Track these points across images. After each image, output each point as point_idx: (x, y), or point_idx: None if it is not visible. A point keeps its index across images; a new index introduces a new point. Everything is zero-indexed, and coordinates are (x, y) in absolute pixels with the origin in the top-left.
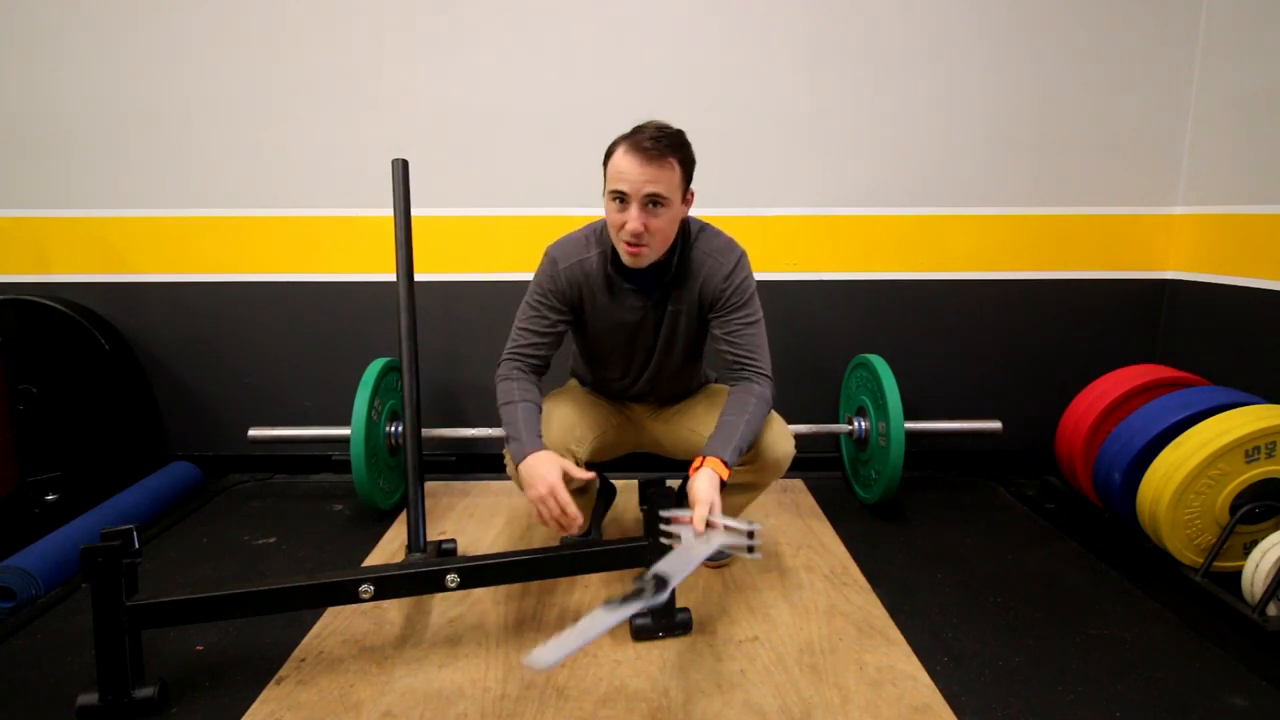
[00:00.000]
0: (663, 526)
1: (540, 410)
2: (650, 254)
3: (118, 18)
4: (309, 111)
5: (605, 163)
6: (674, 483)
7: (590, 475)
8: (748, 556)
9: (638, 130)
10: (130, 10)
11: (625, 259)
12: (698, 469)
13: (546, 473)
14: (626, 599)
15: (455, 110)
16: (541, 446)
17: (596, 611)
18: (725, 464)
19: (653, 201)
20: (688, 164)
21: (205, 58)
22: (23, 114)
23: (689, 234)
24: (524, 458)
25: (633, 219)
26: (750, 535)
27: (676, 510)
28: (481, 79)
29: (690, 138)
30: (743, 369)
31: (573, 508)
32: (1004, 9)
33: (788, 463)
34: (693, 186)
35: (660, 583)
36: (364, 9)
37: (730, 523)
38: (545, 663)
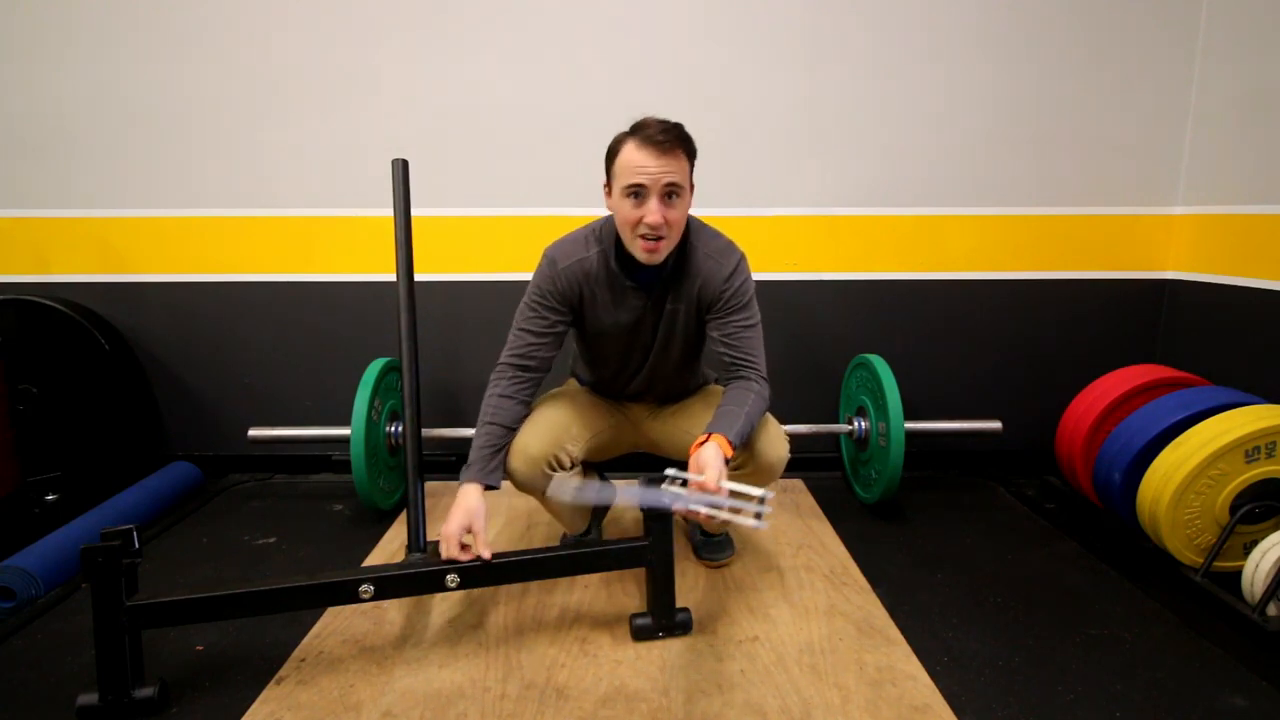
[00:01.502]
0: (667, 486)
1: (513, 424)
2: (667, 246)
3: (118, 18)
4: (309, 111)
5: (610, 161)
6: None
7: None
8: (752, 524)
9: (642, 125)
10: (130, 10)
11: (642, 256)
12: (702, 443)
13: (453, 515)
14: (651, 481)
15: (455, 110)
16: (473, 479)
17: (629, 486)
18: (730, 443)
19: (671, 192)
20: (693, 156)
21: (205, 58)
22: (23, 114)
23: (688, 232)
24: (461, 484)
25: (653, 211)
26: (760, 501)
27: (684, 473)
28: (482, 79)
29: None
30: (740, 371)
31: (455, 551)
32: (1004, 9)
33: (782, 467)
34: (694, 185)
35: (680, 495)
36: (364, 9)
37: (737, 488)
38: (554, 490)
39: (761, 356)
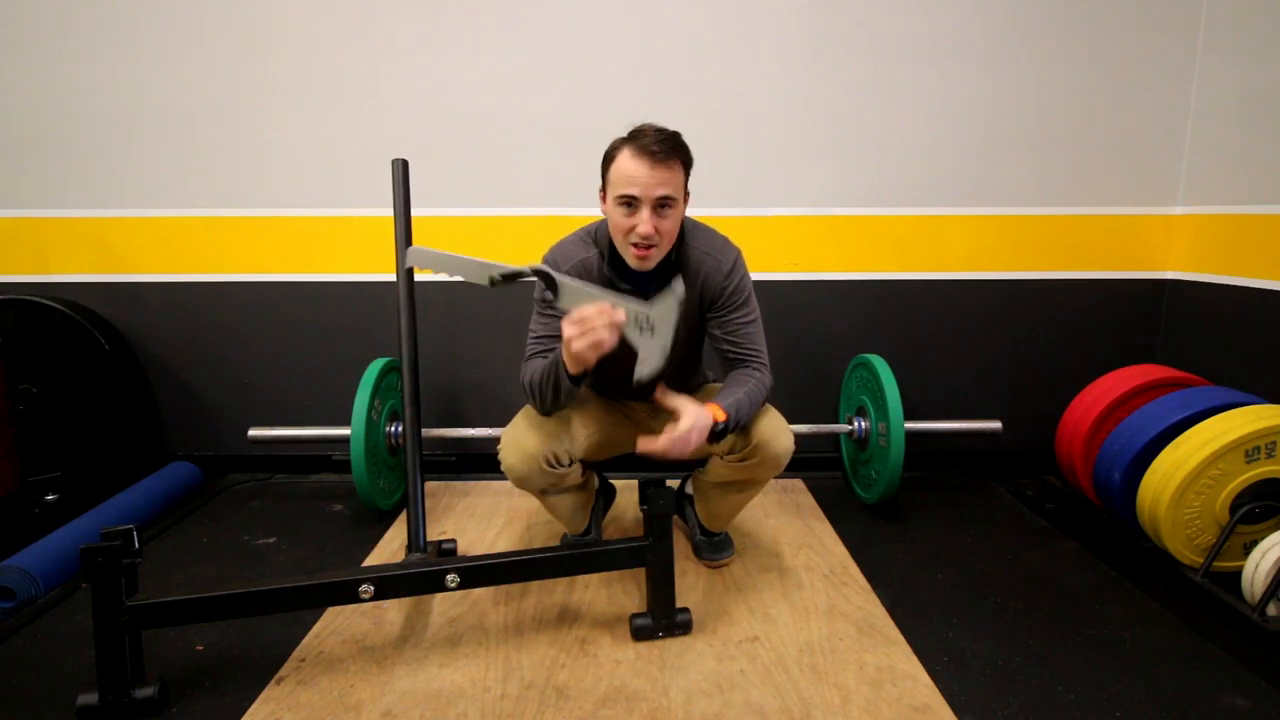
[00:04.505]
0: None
1: None
2: (658, 255)
3: (118, 18)
4: (309, 111)
5: (605, 167)
6: (673, 483)
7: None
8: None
9: (639, 134)
10: (131, 10)
11: (633, 263)
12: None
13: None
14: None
15: (455, 110)
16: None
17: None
18: (723, 409)
19: (663, 204)
20: (688, 165)
21: (205, 58)
22: (23, 114)
23: (683, 232)
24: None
25: (644, 222)
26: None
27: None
28: (481, 79)
29: (690, 138)
30: (744, 363)
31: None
32: (1004, 9)
33: (787, 458)
34: (693, 185)
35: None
36: (364, 9)
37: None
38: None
39: (764, 349)
